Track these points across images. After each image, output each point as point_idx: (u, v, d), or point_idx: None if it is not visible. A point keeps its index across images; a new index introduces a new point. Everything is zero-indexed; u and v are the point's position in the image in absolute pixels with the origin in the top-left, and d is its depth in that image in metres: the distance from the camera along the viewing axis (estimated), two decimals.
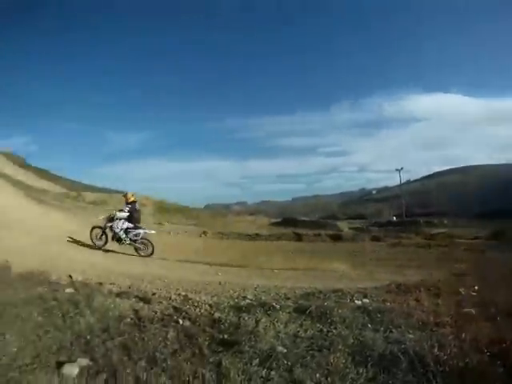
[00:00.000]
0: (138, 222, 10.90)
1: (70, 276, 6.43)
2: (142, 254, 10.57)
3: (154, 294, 5.75)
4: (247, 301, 5.32)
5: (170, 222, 23.25)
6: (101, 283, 6.26)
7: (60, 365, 2.78)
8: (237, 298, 5.76)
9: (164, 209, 28.68)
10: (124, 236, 10.54)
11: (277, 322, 3.93)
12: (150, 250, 10.61)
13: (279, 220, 31.11)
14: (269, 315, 4.19)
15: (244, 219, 28.86)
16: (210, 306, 4.89)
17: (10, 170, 27.69)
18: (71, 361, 2.86)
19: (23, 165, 37.09)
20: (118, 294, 5.36)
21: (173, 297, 5.60)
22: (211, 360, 2.94)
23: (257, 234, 17.53)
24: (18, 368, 2.70)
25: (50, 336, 3.39)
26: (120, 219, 10.57)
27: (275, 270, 10.40)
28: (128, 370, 2.72)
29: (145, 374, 2.66)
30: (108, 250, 10.86)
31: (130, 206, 10.88)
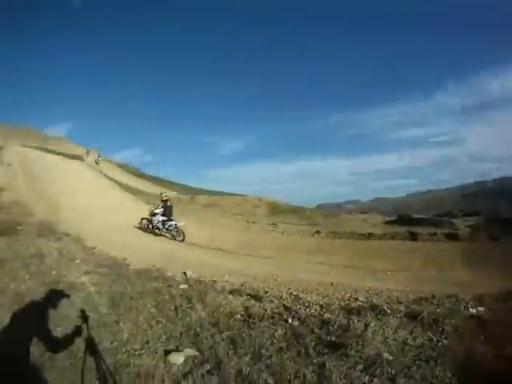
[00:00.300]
0: (171, 216, 14.15)
1: (185, 273, 7.10)
2: (177, 239, 13.51)
3: (265, 292, 6.02)
4: (358, 303, 5.23)
5: (283, 223, 23.71)
6: (214, 280, 6.77)
7: (167, 353, 3.08)
8: (348, 299, 5.72)
9: (277, 209, 29.46)
10: (161, 227, 13.93)
11: (386, 327, 3.82)
12: (181, 237, 13.55)
13: (393, 218, 29.47)
14: (379, 319, 4.09)
15: (356, 218, 27.89)
16: (320, 306, 4.89)
17: (128, 179, 31.94)
18: (178, 350, 3.13)
19: (138, 174, 42.41)
20: (231, 292, 5.75)
21: (284, 296, 5.75)
22: (315, 361, 2.97)
23: (370, 234, 16.69)
24: (126, 352, 3.09)
25: (161, 326, 3.81)
26: (157, 214, 14.06)
27: (388, 272, 10.15)
28: (232, 363, 2.88)
29: (248, 368, 2.77)
30: (219, 249, 12.59)
31: (163, 203, 14.39)
